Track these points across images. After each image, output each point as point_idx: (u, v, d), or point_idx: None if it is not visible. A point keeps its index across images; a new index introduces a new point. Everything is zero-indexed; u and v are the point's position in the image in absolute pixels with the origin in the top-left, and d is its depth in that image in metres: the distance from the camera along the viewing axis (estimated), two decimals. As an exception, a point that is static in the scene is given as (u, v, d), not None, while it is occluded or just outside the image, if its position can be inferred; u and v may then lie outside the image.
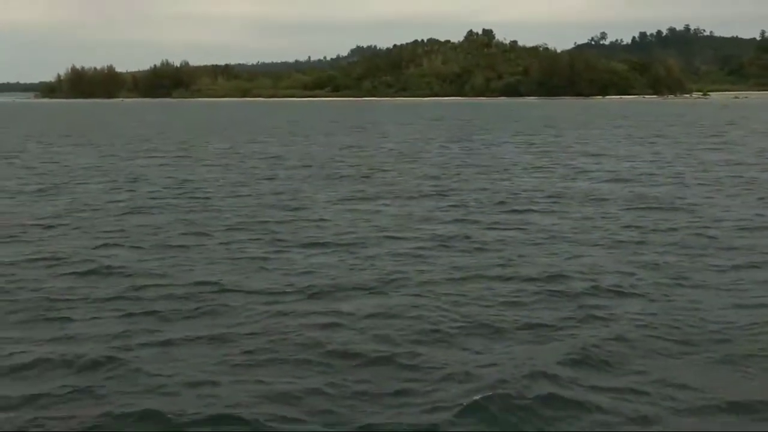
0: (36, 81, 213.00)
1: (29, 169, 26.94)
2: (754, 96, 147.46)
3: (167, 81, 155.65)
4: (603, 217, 15.81)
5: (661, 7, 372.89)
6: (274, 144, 40.37)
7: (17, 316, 9.15)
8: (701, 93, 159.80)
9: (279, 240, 13.50)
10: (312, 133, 50.95)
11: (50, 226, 14.97)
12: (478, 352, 7.81)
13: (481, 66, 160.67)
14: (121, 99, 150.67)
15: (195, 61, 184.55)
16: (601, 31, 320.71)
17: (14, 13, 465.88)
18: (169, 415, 6.24)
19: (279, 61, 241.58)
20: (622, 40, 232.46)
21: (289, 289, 10.19)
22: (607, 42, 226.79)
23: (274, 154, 32.85)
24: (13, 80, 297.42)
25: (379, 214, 16.36)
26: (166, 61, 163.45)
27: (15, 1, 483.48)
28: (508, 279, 10.74)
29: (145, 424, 6.20)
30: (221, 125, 63.94)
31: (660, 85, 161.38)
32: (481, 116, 77.49)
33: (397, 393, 6.79)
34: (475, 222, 15.36)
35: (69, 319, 8.97)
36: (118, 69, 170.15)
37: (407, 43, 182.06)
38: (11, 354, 7.78)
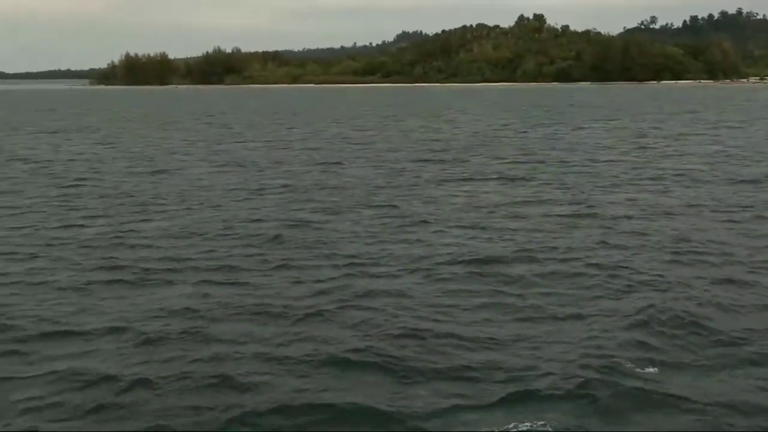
0: (84, 68, 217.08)
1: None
2: None
3: (219, 68, 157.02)
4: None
5: None
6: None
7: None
8: (758, 77, 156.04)
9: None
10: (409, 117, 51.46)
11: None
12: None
13: (533, 51, 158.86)
14: (174, 86, 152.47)
15: (236, 47, 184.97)
16: (651, 15, 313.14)
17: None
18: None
19: (324, 47, 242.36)
20: (672, 24, 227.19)
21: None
22: (657, 26, 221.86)
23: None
24: (59, 67, 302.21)
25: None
26: (218, 48, 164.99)
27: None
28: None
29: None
30: (302, 110, 64.49)
31: (716, 70, 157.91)
32: (550, 102, 76.63)
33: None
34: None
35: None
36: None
37: (456, 29, 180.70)
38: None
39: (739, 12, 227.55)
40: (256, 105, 75.41)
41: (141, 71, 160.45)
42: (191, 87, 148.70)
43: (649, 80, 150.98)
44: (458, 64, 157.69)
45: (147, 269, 10.62)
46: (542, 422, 6.03)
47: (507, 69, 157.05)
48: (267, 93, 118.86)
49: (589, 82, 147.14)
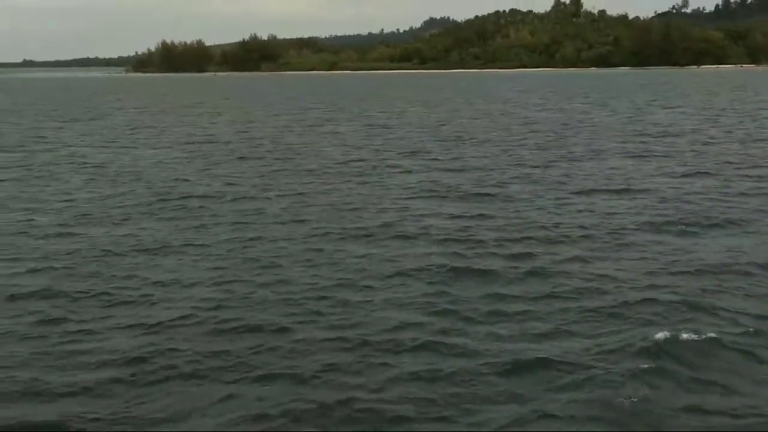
0: (114, 56, 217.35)
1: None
2: None
3: (255, 54, 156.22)
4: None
5: None
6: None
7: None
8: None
9: None
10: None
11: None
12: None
13: (570, 36, 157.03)
14: (213, 73, 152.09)
15: (264, 33, 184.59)
16: None
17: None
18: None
19: (352, 34, 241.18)
20: (704, 8, 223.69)
21: None
22: (689, 10, 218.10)
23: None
24: (87, 55, 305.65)
25: None
26: (255, 35, 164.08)
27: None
28: None
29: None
30: (376, 94, 64.55)
31: (758, 53, 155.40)
32: (591, 85, 75.76)
33: None
34: None
35: None
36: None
37: (489, 14, 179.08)
38: None
39: None
40: (347, 89, 75.65)
41: (178, 58, 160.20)
42: (229, 74, 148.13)
43: (690, 65, 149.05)
44: (495, 50, 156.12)
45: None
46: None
47: (545, 54, 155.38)
48: (315, 78, 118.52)
49: (628, 68, 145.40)
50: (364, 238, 11.01)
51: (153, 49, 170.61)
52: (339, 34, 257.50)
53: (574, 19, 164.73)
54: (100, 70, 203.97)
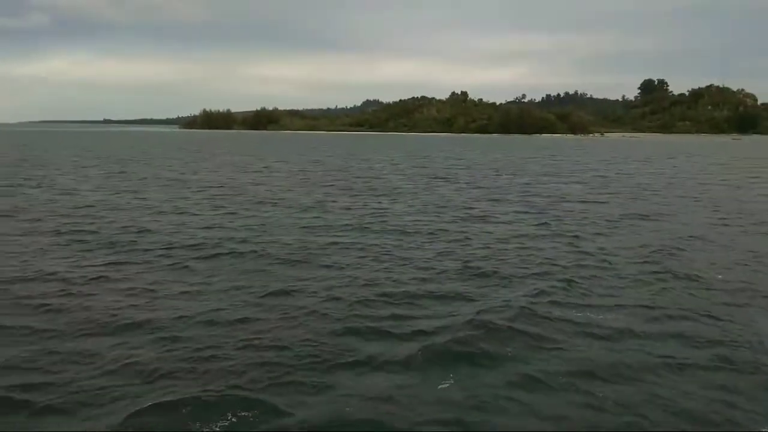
0: (162, 117, 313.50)
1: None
2: (639, 136, 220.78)
3: (264, 119, 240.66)
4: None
5: (559, 78, 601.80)
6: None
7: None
8: (599, 134, 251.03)
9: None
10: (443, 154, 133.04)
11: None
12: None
13: (462, 114, 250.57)
14: (237, 131, 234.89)
15: (251, 106, 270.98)
16: (522, 92, 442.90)
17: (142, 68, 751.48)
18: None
19: (315, 108, 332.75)
20: (535, 99, 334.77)
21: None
22: (526, 100, 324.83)
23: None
24: (145, 117, 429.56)
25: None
26: (264, 107, 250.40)
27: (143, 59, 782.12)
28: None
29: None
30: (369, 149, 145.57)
31: (575, 128, 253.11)
32: (481, 146, 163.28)
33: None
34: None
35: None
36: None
37: (408, 99, 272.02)
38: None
39: (576, 92, 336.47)
40: (343, 145, 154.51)
41: (214, 120, 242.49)
42: (248, 132, 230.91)
43: (535, 134, 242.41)
44: (416, 121, 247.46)
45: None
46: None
47: (446, 124, 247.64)
48: (308, 137, 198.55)
49: (498, 134, 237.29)
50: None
51: (197, 113, 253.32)
52: (312, 107, 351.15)
53: (463, 104, 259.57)
54: (159, 126, 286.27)
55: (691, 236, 19.20)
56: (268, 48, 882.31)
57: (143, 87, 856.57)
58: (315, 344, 9.48)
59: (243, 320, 10.56)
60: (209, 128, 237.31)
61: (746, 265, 15.41)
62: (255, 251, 15.78)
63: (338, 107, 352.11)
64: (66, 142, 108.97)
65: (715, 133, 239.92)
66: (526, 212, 24.53)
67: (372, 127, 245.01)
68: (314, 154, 73.72)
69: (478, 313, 10.84)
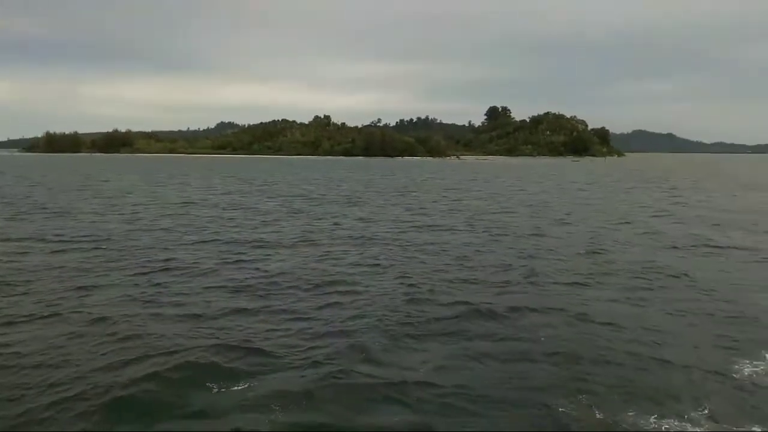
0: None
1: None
2: (490, 159, 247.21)
3: (117, 142, 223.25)
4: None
5: (411, 104, 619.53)
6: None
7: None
8: (456, 156, 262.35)
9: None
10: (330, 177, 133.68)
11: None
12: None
13: (326, 137, 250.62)
14: (88, 153, 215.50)
15: (107, 127, 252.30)
16: (378, 117, 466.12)
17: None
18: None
19: (167, 129, 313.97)
20: (390, 123, 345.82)
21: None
22: (381, 123, 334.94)
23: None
24: None
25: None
26: (116, 129, 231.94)
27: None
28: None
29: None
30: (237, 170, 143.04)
31: (434, 151, 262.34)
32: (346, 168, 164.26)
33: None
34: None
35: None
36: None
37: (270, 121, 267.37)
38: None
39: (427, 117, 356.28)
40: (222, 167, 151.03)
41: (58, 144, 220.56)
42: (100, 155, 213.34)
43: (396, 156, 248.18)
44: (281, 143, 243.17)
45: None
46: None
47: (311, 147, 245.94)
48: (169, 160, 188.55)
49: (362, 157, 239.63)
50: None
51: (40, 136, 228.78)
52: (158, 129, 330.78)
53: (327, 127, 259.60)
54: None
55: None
56: (117, 68, 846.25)
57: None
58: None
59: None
60: (53, 152, 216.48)
61: None
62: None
63: (190, 129, 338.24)
64: None
65: (554, 155, 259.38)
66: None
67: (235, 150, 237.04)
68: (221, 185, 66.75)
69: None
